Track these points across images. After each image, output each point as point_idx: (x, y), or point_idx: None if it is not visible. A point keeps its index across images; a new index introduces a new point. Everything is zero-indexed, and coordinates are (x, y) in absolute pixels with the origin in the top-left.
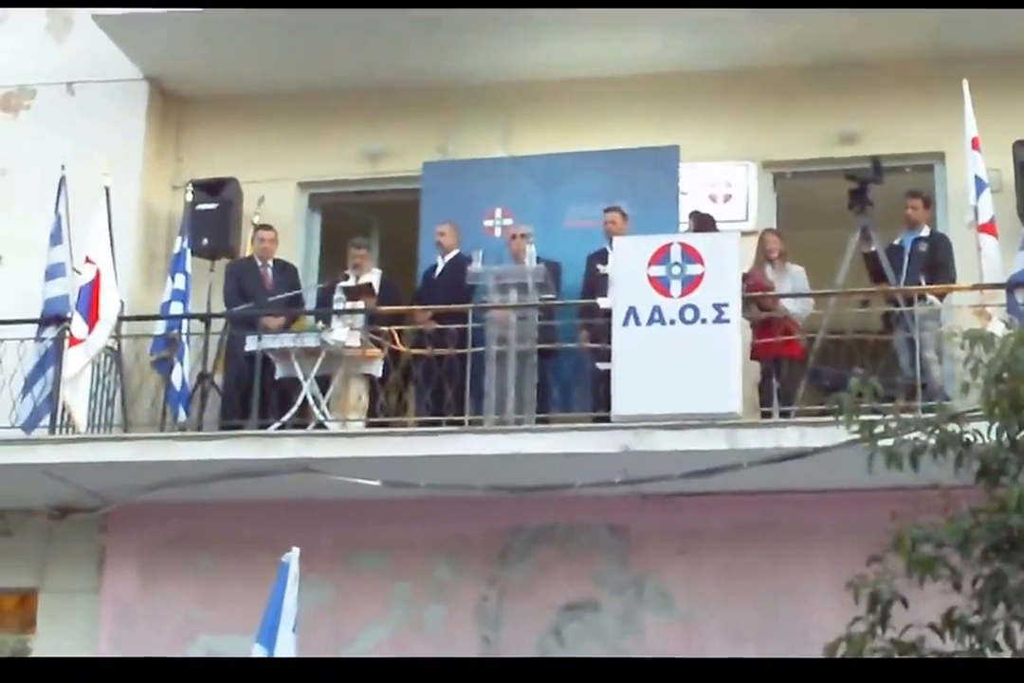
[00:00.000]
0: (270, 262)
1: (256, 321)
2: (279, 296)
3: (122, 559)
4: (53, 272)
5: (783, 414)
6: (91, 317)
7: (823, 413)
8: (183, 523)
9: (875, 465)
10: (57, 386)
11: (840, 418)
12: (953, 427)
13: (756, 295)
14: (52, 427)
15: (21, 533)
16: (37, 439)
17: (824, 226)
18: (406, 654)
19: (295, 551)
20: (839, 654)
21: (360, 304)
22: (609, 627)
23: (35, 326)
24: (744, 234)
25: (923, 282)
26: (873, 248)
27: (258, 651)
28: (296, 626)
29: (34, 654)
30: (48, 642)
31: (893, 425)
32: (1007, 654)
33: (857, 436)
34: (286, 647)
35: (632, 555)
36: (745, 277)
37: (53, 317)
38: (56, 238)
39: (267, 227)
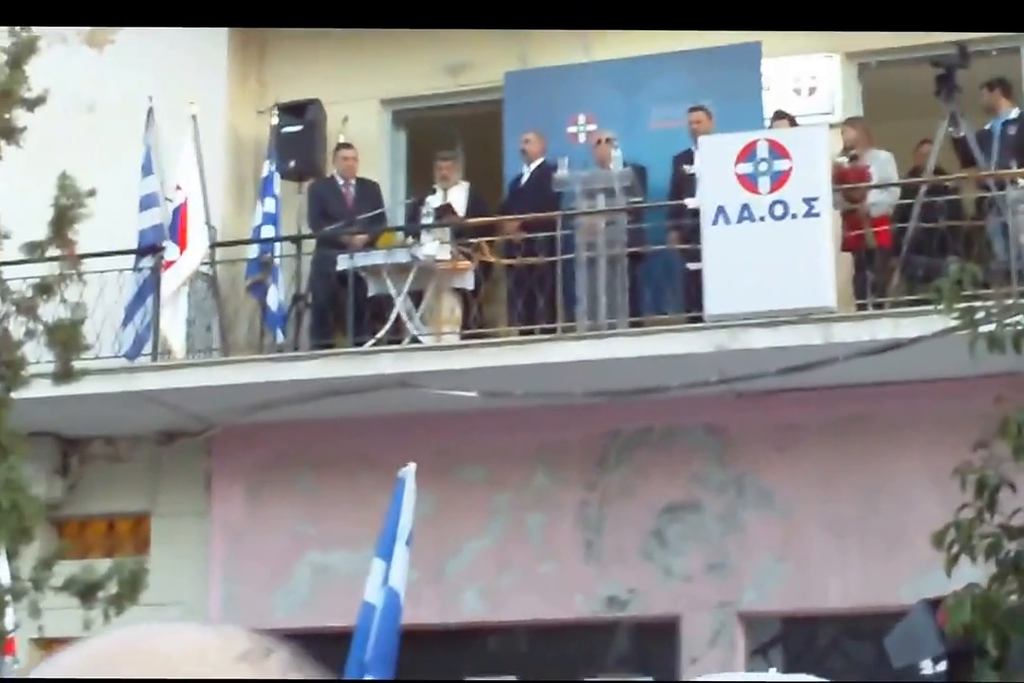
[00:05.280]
0: (352, 181)
1: (344, 240)
2: (364, 215)
3: (228, 481)
4: (146, 202)
5: (877, 306)
6: (180, 240)
7: (916, 303)
8: (285, 443)
9: (977, 351)
10: (157, 314)
11: (938, 306)
12: None
13: (845, 187)
14: (154, 354)
15: (131, 459)
16: (140, 366)
17: (912, 115)
18: (510, 564)
19: (411, 466)
20: (947, 541)
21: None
22: (710, 527)
23: (132, 257)
24: (831, 126)
25: (1014, 165)
26: (962, 134)
27: (377, 564)
28: (411, 539)
29: (150, 576)
30: (162, 563)
31: (994, 310)
32: None
33: (953, 323)
34: (401, 560)
35: (730, 454)
36: (853, 158)
37: (149, 247)
38: (147, 169)
39: (347, 145)
